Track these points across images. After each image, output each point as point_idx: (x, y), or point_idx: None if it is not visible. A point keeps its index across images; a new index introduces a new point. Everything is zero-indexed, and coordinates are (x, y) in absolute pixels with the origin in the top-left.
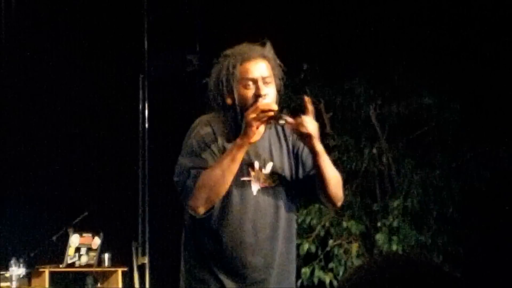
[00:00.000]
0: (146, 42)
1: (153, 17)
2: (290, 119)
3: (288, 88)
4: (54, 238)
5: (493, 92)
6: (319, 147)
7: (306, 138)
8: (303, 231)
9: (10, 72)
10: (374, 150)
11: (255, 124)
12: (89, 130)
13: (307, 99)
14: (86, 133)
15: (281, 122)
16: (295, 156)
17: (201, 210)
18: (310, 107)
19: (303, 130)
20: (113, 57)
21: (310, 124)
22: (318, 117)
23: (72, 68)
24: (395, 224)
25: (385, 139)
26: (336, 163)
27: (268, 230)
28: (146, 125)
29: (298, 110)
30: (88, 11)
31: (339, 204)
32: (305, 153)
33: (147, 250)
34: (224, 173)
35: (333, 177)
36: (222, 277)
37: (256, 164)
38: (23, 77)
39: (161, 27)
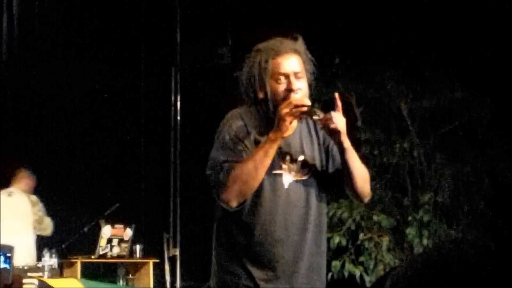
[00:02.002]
0: (178, 35)
1: (185, 10)
2: (321, 114)
3: (319, 82)
4: (85, 229)
5: None
6: (347, 143)
7: (334, 134)
8: (334, 224)
9: (48, 66)
10: (405, 145)
11: (288, 119)
12: (122, 123)
13: (337, 95)
14: (118, 126)
15: (315, 117)
16: (326, 150)
17: (234, 204)
18: (339, 103)
19: (332, 126)
20: (146, 50)
21: (339, 120)
22: (349, 111)
23: (106, 61)
24: (425, 218)
25: (416, 134)
26: (367, 157)
27: (299, 223)
28: (178, 118)
29: (329, 104)
30: (122, 3)
31: (366, 199)
32: (335, 147)
33: (178, 242)
34: (257, 167)
35: (361, 173)
36: (252, 269)
37: (288, 157)
38: (57, 69)
39: (193, 20)
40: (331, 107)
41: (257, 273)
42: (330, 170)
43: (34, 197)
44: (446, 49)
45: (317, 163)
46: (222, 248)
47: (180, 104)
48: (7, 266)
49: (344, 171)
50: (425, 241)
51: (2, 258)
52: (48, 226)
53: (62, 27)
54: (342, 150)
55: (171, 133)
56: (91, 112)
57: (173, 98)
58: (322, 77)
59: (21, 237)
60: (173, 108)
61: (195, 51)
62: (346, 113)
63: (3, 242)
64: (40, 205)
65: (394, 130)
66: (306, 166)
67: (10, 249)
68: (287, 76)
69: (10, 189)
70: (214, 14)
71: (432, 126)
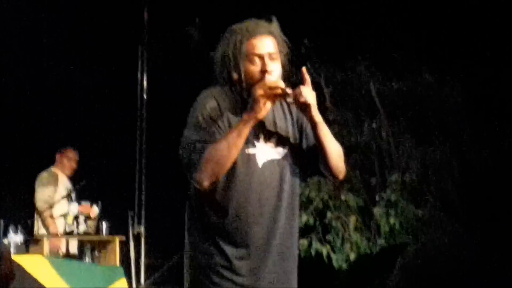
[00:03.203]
0: (146, 13)
1: None
2: (290, 91)
3: (289, 63)
4: None
5: (494, 70)
6: (318, 117)
7: (305, 108)
8: (302, 204)
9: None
10: (374, 125)
11: (262, 100)
12: (88, 101)
13: (304, 69)
14: (85, 104)
15: (289, 99)
16: (299, 129)
17: (206, 184)
18: (307, 77)
19: (302, 100)
20: (113, 28)
21: (308, 94)
22: (318, 91)
23: (72, 38)
24: (393, 198)
25: (385, 115)
26: (336, 137)
27: (272, 201)
28: (145, 96)
29: (298, 84)
30: None
31: (341, 176)
32: (309, 126)
33: (143, 219)
34: (230, 147)
35: (335, 149)
36: (226, 247)
37: (261, 137)
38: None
39: None
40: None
41: (230, 251)
42: (304, 147)
43: None
44: (417, 32)
45: (291, 142)
46: (194, 227)
47: (147, 82)
48: None
49: (318, 147)
50: (392, 221)
51: None
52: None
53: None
54: (314, 125)
55: (137, 111)
56: (57, 90)
57: (139, 76)
58: (291, 59)
59: None
60: (139, 87)
61: (163, 30)
62: (315, 93)
63: None
64: None
65: (363, 110)
66: (279, 145)
67: None
68: (261, 58)
69: None
70: None
71: (401, 108)
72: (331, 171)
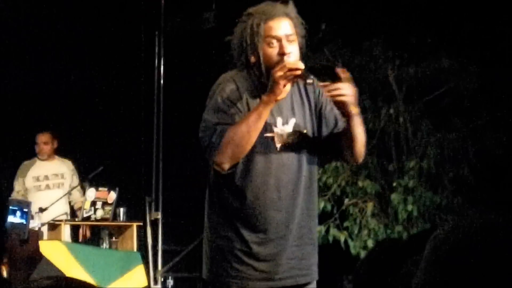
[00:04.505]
0: None
1: None
2: (314, 79)
3: (306, 48)
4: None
5: (511, 54)
6: (355, 110)
7: (342, 105)
8: (319, 190)
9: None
10: (391, 111)
11: (282, 82)
12: (104, 88)
13: (338, 69)
14: (102, 90)
15: (309, 81)
16: (318, 114)
17: (226, 166)
18: (343, 74)
19: (340, 98)
20: (130, 13)
21: (348, 91)
22: (335, 78)
23: (89, 24)
24: (410, 184)
25: (402, 101)
26: None
27: (290, 186)
28: (162, 82)
29: (315, 70)
30: None
31: (360, 160)
32: (327, 110)
33: (160, 206)
34: (249, 129)
35: (362, 137)
36: (245, 232)
37: (279, 121)
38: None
39: None
40: (317, 72)
41: (249, 236)
42: (323, 133)
43: None
44: (434, 16)
45: (309, 126)
46: (214, 212)
47: (164, 68)
48: (23, 221)
49: (348, 134)
50: (409, 207)
51: (19, 213)
52: None
53: None
54: (349, 117)
55: (154, 97)
56: (74, 77)
57: (156, 62)
58: (308, 43)
59: None
60: (156, 72)
61: (179, 15)
62: (332, 78)
63: None
64: None
65: (380, 96)
66: (297, 129)
67: (27, 204)
68: (279, 40)
69: None
70: None
71: (418, 93)
72: (355, 156)
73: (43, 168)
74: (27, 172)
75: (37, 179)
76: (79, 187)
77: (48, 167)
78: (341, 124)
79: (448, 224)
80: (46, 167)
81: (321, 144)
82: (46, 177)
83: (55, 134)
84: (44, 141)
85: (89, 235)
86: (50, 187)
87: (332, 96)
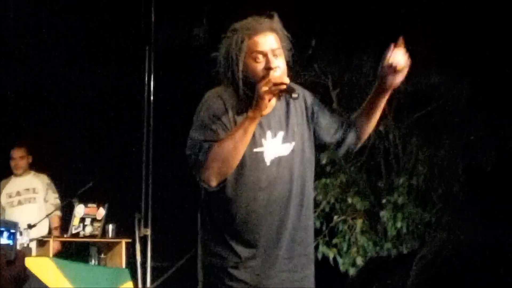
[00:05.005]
0: (153, 14)
1: None
2: (300, 92)
3: (296, 64)
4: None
5: (501, 71)
6: (387, 93)
7: (392, 73)
8: None
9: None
10: (381, 128)
11: (267, 97)
12: (94, 103)
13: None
14: (91, 106)
15: (294, 95)
16: (312, 119)
17: (213, 183)
18: (401, 43)
19: (395, 63)
20: (121, 28)
21: (401, 58)
22: (326, 94)
23: (79, 38)
24: (399, 201)
25: (392, 117)
26: None
27: (282, 200)
28: (151, 97)
29: (305, 86)
30: None
31: (360, 143)
32: (319, 113)
33: (149, 222)
34: (236, 145)
35: (374, 124)
36: (237, 248)
37: (268, 135)
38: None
39: None
40: (308, 89)
41: (241, 251)
42: (323, 125)
43: None
44: (424, 32)
45: (298, 138)
46: (206, 229)
47: (154, 83)
48: (10, 242)
49: (369, 111)
50: (399, 224)
51: (6, 233)
52: None
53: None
54: (385, 91)
55: (144, 113)
56: (64, 91)
57: (146, 77)
58: (299, 59)
59: None
60: (146, 87)
61: (170, 31)
62: (322, 95)
63: None
64: None
65: None
66: (287, 141)
67: (14, 225)
68: (265, 55)
69: None
70: None
71: (408, 109)
72: (361, 139)
73: (16, 184)
74: (2, 190)
75: (10, 195)
76: (56, 202)
77: (21, 182)
78: (337, 123)
79: (435, 243)
80: (19, 183)
81: (318, 143)
82: (18, 193)
83: (31, 148)
84: (20, 155)
85: (61, 248)
86: (22, 202)
87: (388, 64)
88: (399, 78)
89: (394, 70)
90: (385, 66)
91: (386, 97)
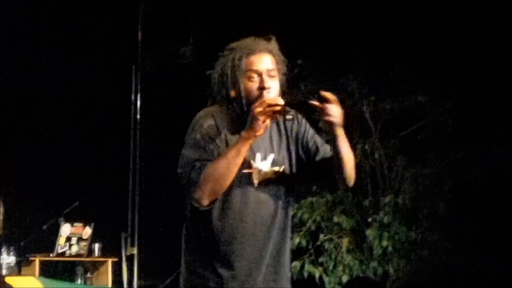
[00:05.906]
0: (140, 33)
1: (147, 8)
2: (294, 114)
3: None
4: (45, 227)
5: (487, 90)
6: (340, 132)
7: (330, 125)
8: (295, 225)
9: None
10: (366, 146)
11: (261, 117)
12: (80, 121)
13: (325, 92)
14: (77, 124)
15: (288, 117)
16: (300, 143)
17: (205, 202)
18: (330, 96)
19: (329, 118)
20: (106, 47)
21: (335, 112)
22: (311, 111)
23: (65, 58)
24: (386, 220)
25: (378, 136)
26: None
27: (266, 222)
28: (138, 117)
29: (291, 106)
30: (82, 1)
31: (351, 183)
32: (308, 138)
33: (136, 241)
34: (229, 165)
35: (350, 159)
36: (220, 270)
37: (258, 157)
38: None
39: (155, 18)
40: (296, 108)
41: (224, 272)
42: (306, 160)
43: None
44: (410, 52)
45: (286, 162)
46: (190, 249)
47: (141, 102)
48: None
49: (336, 157)
50: (385, 243)
51: None
52: None
53: (20, 18)
54: (336, 138)
55: (131, 132)
56: (49, 109)
57: (133, 96)
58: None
59: None
60: (133, 107)
61: (157, 49)
62: (308, 112)
63: None
64: None
65: (356, 131)
66: (275, 165)
67: None
68: (260, 74)
69: None
70: (176, 12)
71: (394, 128)
72: (345, 180)
73: None
74: None
75: None
76: None
77: None
78: (323, 150)
79: (416, 264)
80: None
81: (306, 174)
82: None
83: None
84: None
85: None
86: None
87: (321, 117)
88: (336, 129)
89: (327, 123)
90: (325, 121)
91: (340, 141)
